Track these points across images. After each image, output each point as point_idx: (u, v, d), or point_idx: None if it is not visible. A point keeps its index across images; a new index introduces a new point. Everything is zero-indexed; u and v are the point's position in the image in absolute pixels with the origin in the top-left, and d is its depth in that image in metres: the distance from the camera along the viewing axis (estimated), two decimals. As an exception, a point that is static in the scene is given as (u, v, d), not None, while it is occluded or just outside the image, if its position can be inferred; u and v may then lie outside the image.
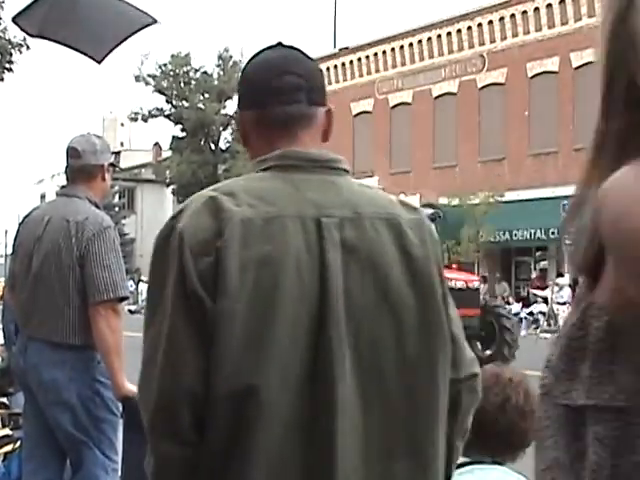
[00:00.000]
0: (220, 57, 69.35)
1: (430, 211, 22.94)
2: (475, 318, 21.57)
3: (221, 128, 70.24)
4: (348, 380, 2.24)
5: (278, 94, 2.43)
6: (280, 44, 2.61)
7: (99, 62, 7.00)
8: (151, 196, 73.69)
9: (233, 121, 71.26)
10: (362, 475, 2.25)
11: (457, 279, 21.69)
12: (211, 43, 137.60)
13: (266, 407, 2.19)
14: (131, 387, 4.65)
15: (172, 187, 69.97)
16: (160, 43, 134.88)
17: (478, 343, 21.81)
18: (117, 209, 67.97)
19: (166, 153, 74.23)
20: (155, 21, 6.60)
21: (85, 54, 6.96)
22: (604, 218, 1.52)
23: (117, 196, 71.40)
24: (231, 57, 69.23)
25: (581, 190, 1.69)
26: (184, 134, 69.44)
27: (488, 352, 21.78)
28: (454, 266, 23.84)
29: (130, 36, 6.85)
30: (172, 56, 69.21)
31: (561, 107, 38.65)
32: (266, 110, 2.44)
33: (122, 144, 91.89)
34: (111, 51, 6.97)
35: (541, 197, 37.37)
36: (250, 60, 2.56)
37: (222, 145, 71.07)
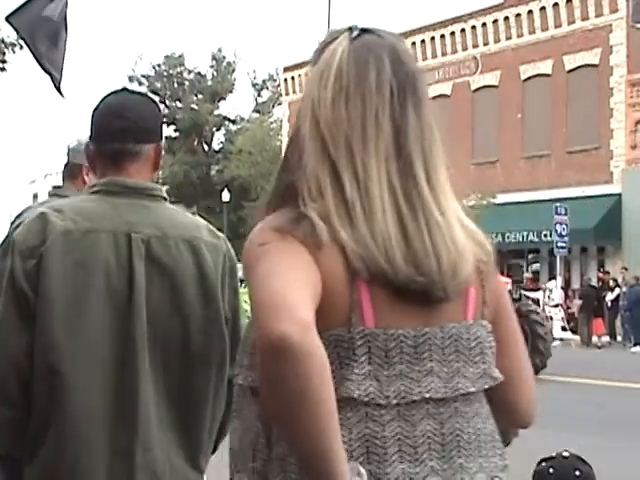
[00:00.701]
0: (214, 58, 69.50)
1: None
2: None
3: (214, 129, 70.39)
4: (146, 368, 2.86)
5: (110, 134, 3.04)
6: (125, 89, 3.27)
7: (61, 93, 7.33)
8: None
9: (226, 122, 71.58)
10: (158, 440, 2.90)
11: None
12: (205, 44, 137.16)
13: (73, 385, 2.81)
14: None
15: (165, 187, 69.97)
16: (154, 44, 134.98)
17: None
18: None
19: None
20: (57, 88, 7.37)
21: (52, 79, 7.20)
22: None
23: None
24: (224, 58, 69.36)
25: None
26: (177, 135, 69.66)
27: None
28: None
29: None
30: (166, 57, 69.46)
31: (554, 110, 38.66)
32: (102, 146, 3.08)
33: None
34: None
35: (534, 200, 37.36)
36: (100, 100, 3.15)
37: (215, 146, 71.23)
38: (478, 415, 2.04)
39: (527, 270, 38.81)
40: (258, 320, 1.76)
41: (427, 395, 1.93)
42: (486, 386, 2.05)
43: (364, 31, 2.09)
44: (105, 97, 3.16)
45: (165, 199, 3.11)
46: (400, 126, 2.02)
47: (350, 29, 2.08)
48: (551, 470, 3.72)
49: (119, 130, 3.03)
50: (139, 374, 2.86)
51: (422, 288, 1.93)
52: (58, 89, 7.30)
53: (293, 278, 1.81)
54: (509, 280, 21.39)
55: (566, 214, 32.15)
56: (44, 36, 7.10)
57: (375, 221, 1.92)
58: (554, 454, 3.79)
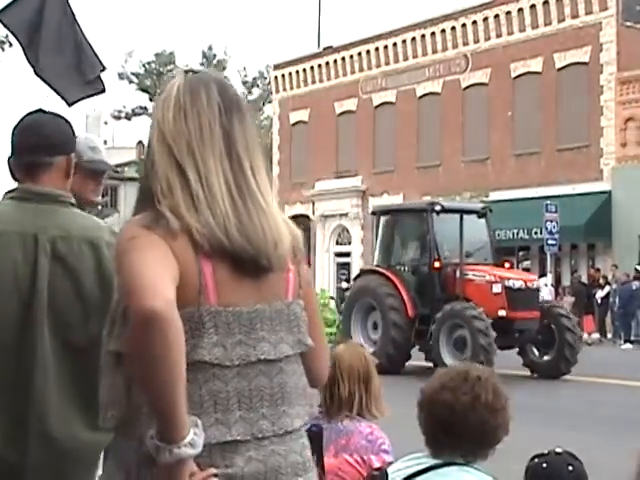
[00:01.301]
0: (204, 55, 69.49)
1: (481, 205, 22.73)
2: (535, 321, 19.52)
3: None
4: (47, 349, 3.37)
5: (26, 149, 3.59)
6: (40, 110, 3.82)
7: (69, 104, 7.15)
8: (134, 194, 73.48)
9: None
10: (57, 410, 3.38)
11: (515, 278, 19.90)
12: (195, 42, 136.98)
13: None
14: None
15: None
16: (144, 41, 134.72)
17: (534, 348, 19.99)
18: (100, 207, 68.14)
19: None
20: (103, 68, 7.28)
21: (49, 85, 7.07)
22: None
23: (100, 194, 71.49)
24: (215, 56, 69.41)
25: None
26: None
27: (546, 357, 19.74)
28: (507, 265, 21.18)
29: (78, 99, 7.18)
30: (156, 54, 69.41)
31: (544, 107, 38.63)
32: (19, 159, 3.62)
33: (105, 142, 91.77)
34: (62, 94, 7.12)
35: (524, 197, 37.37)
36: (18, 120, 3.70)
37: None
38: (295, 373, 2.59)
39: (518, 267, 38.75)
40: (131, 299, 2.20)
41: (262, 357, 2.47)
42: (300, 351, 2.60)
43: (195, 72, 2.64)
44: (22, 117, 3.72)
45: (72, 204, 3.63)
46: (229, 132, 2.54)
47: (185, 72, 2.62)
48: (544, 465, 3.76)
49: (34, 145, 3.58)
50: (37, 354, 3.37)
51: (251, 257, 2.44)
52: (63, 98, 7.21)
53: (156, 265, 2.28)
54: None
55: (556, 211, 31.98)
56: (47, 45, 7.00)
57: (216, 206, 2.43)
58: (547, 451, 3.83)
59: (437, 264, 19.99)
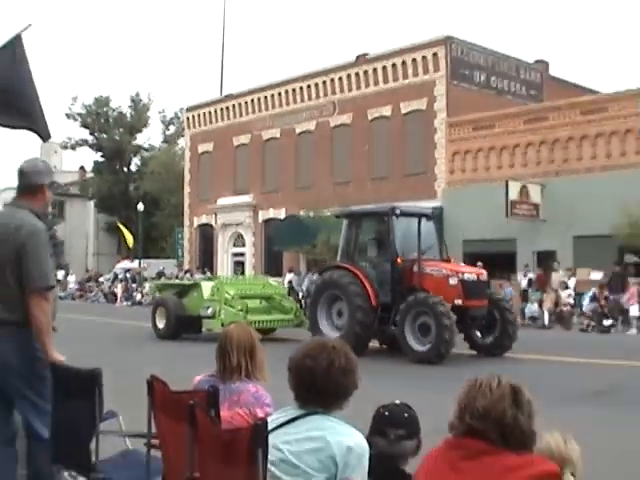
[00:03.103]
0: (132, 100, 68.90)
1: (431, 209, 20.76)
2: (484, 308, 18.01)
3: (132, 155, 70.18)
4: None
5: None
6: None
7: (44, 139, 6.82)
8: (77, 208, 73.10)
9: (141, 150, 70.64)
10: None
11: (469, 272, 18.30)
12: (126, 88, 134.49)
13: None
14: (58, 356, 5.03)
15: (93, 201, 70.27)
16: (86, 88, 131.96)
17: (478, 332, 18.48)
18: (51, 217, 66.84)
19: (89, 174, 73.47)
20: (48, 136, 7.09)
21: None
22: None
23: (50, 207, 70.17)
24: (141, 100, 68.86)
25: None
26: (103, 159, 69.43)
27: (488, 340, 18.28)
28: (452, 260, 19.26)
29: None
30: (95, 99, 68.82)
31: (393, 143, 38.67)
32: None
33: (55, 167, 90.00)
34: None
35: (378, 211, 37.06)
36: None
37: (133, 168, 70.77)
38: None
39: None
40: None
41: None
42: None
43: None
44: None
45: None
46: None
47: None
48: (386, 413, 3.91)
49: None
50: None
51: None
52: (39, 134, 6.76)
53: None
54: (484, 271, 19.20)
55: None
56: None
57: None
58: (388, 403, 3.95)
59: (399, 260, 18.07)
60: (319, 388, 3.34)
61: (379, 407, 3.95)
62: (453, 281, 17.54)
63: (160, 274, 47.79)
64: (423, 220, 18.57)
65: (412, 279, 17.98)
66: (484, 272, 18.81)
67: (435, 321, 16.64)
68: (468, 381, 2.87)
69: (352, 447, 3.22)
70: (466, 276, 17.74)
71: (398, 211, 18.48)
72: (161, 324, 22.71)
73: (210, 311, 21.82)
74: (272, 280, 27.92)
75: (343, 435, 3.26)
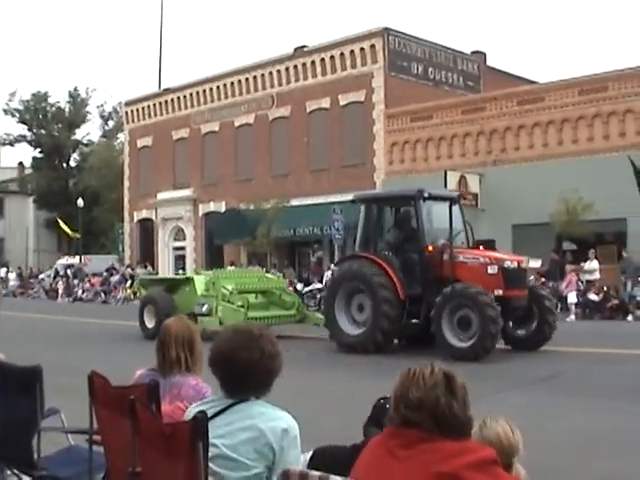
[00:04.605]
0: (71, 95, 67.17)
1: (456, 192, 18.10)
2: (524, 298, 16.02)
3: (71, 150, 68.73)
4: None
5: None
6: None
7: None
8: (16, 204, 71.44)
9: (81, 145, 68.92)
10: None
11: (510, 259, 16.19)
12: (65, 83, 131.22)
13: None
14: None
15: (33, 197, 68.84)
16: (24, 82, 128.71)
17: (510, 323, 16.26)
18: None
19: (28, 170, 71.84)
20: None
21: None
22: None
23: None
24: (79, 95, 67.25)
25: None
26: (42, 155, 68.02)
27: (520, 332, 16.39)
28: (481, 247, 16.80)
29: None
30: (33, 94, 67.46)
31: (332, 135, 37.89)
32: None
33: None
34: None
35: (318, 203, 36.81)
36: None
37: (72, 163, 69.35)
38: None
39: (312, 256, 38.28)
40: None
41: None
42: None
43: None
44: None
45: None
46: None
47: None
48: (387, 405, 3.53)
49: None
50: None
51: None
52: None
53: None
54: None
55: (341, 213, 32.00)
56: None
57: None
58: (389, 395, 3.44)
59: (430, 248, 16.04)
60: (254, 377, 3.31)
61: (380, 398, 3.81)
62: (492, 270, 15.58)
63: (110, 270, 47.29)
64: (447, 204, 16.72)
65: (442, 268, 15.97)
66: (524, 259, 16.73)
67: (478, 313, 14.71)
68: (402, 371, 2.80)
69: (286, 429, 3.23)
70: (506, 264, 15.79)
71: (426, 194, 16.46)
72: (150, 323, 20.14)
73: (206, 308, 19.82)
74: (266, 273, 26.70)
75: (275, 419, 3.26)
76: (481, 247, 16.76)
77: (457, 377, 2.75)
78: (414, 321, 16.13)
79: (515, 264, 15.95)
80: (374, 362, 15.02)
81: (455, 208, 16.89)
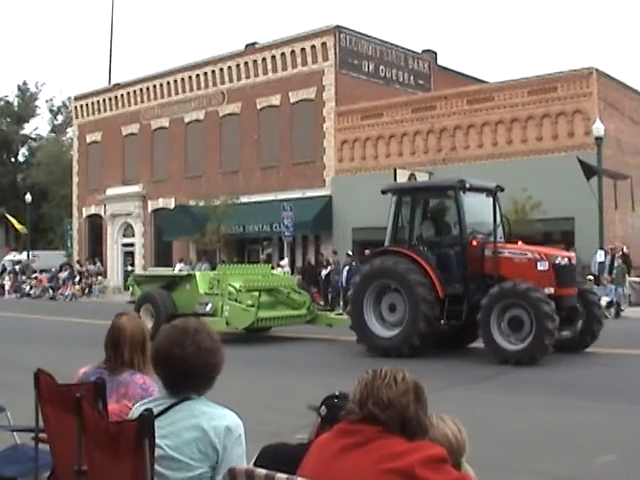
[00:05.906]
0: (19, 89, 65.44)
1: (494, 184, 15.60)
2: (574, 298, 14.61)
3: (19, 145, 66.85)
4: None
5: None
6: None
7: None
8: None
9: (29, 140, 67.08)
10: None
11: (561, 255, 14.68)
12: (13, 77, 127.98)
13: None
14: None
15: None
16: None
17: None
18: None
19: None
20: None
21: None
22: None
23: None
24: (28, 89, 65.46)
25: None
26: None
27: (565, 333, 14.64)
28: (519, 243, 15.30)
29: None
30: None
31: (282, 132, 37.04)
32: None
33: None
34: None
35: (267, 200, 36.06)
36: None
37: (20, 158, 67.45)
38: None
39: (262, 253, 37.57)
40: None
41: None
42: None
43: None
44: None
45: None
46: None
47: None
48: (336, 400, 3.55)
49: None
50: None
51: None
52: None
53: None
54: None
55: (291, 210, 31.87)
56: None
57: None
58: (337, 392, 3.55)
59: (474, 242, 14.62)
60: (191, 373, 3.16)
61: (331, 397, 3.69)
62: (542, 266, 14.10)
63: (64, 265, 46.03)
64: (484, 196, 15.34)
65: (483, 265, 14.53)
66: (574, 255, 15.40)
67: (533, 312, 13.37)
68: (369, 370, 2.75)
69: (229, 427, 3.13)
70: (558, 260, 14.31)
71: (468, 185, 14.91)
72: (149, 324, 17.69)
73: (210, 308, 18.00)
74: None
75: (218, 418, 3.15)
76: (519, 242, 15.41)
77: (424, 388, 2.75)
78: (454, 322, 14.74)
79: (566, 260, 14.54)
80: (414, 369, 13.72)
81: (490, 200, 15.42)
